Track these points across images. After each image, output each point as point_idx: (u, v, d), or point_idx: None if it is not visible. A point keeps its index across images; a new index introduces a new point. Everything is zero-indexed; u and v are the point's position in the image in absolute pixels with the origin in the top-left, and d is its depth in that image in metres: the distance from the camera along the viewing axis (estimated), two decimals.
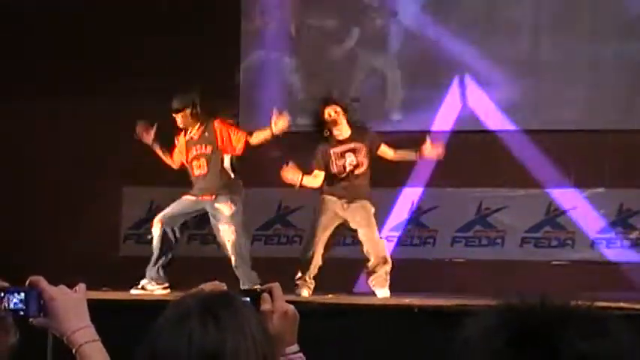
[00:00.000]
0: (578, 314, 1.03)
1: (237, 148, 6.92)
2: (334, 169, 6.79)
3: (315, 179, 6.82)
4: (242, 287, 6.39)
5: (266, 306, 1.77)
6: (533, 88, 8.37)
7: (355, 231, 6.75)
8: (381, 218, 8.23)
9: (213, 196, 6.83)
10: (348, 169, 6.75)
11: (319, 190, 6.84)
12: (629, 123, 8.16)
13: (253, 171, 8.49)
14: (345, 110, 6.79)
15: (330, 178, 6.81)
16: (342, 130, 6.79)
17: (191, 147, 6.91)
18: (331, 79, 8.39)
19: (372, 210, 6.78)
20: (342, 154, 6.78)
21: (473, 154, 8.17)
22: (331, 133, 6.80)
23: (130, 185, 8.40)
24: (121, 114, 8.34)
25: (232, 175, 6.92)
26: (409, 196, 8.40)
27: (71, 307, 1.76)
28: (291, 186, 6.97)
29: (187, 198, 6.92)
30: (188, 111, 6.83)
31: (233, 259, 6.82)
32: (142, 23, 8.53)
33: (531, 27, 8.41)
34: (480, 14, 8.49)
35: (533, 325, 1.02)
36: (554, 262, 8.20)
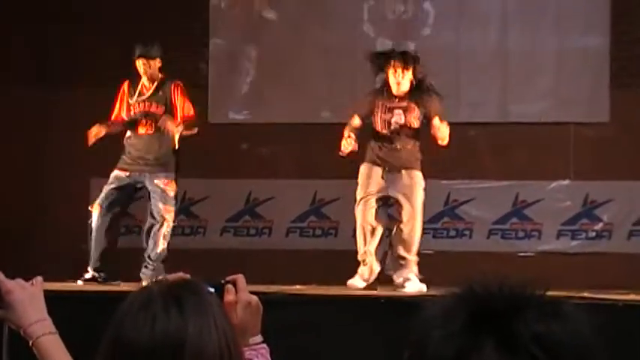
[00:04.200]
0: (534, 298, 1.07)
1: (187, 116, 6.53)
2: (377, 125, 6.26)
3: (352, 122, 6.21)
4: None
5: (230, 297, 1.79)
6: (499, 80, 8.44)
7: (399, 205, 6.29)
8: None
9: (151, 169, 6.52)
10: (392, 127, 6.22)
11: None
12: (594, 115, 8.26)
13: (222, 162, 8.51)
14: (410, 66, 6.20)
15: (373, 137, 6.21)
16: (400, 86, 6.21)
17: (140, 102, 6.57)
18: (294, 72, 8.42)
19: (421, 183, 6.29)
20: (390, 110, 6.27)
21: (441, 146, 8.22)
22: (388, 85, 6.24)
23: (98, 177, 8.35)
24: (87, 104, 8.31)
25: (177, 146, 6.52)
26: None
27: (28, 300, 1.76)
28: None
29: (119, 175, 6.60)
30: (158, 62, 6.54)
31: (153, 249, 6.59)
32: (108, 15, 8.49)
33: (498, 19, 8.48)
34: (450, 5, 8.55)
35: (491, 308, 1.05)
36: (520, 254, 8.29)
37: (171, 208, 6.69)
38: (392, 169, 6.30)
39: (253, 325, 1.82)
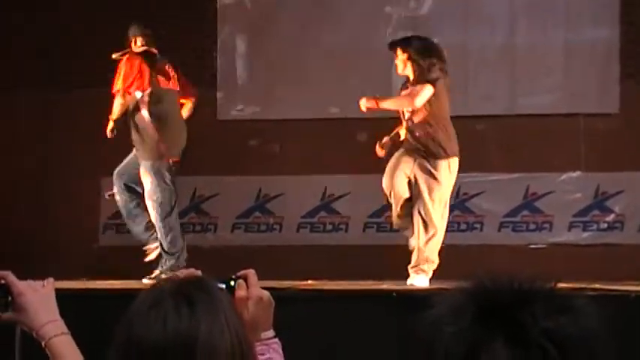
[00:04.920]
0: (543, 293, 1.07)
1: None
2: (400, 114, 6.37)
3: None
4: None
5: (241, 292, 1.79)
6: (508, 72, 8.42)
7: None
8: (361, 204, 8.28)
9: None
10: (407, 116, 6.31)
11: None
12: (604, 107, 8.24)
13: (232, 159, 8.52)
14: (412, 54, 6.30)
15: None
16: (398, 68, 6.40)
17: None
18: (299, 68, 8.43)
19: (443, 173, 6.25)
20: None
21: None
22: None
23: (108, 175, 8.38)
24: (100, 104, 8.34)
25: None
26: None
27: (40, 301, 1.77)
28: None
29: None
30: (140, 40, 6.65)
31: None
32: (115, 13, 8.50)
33: (507, 12, 8.46)
34: (458, 1, 8.54)
35: (500, 303, 1.05)
36: (532, 246, 8.28)
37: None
38: (417, 158, 6.30)
39: (265, 320, 1.83)
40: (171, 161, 6.67)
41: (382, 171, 8.46)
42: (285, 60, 8.56)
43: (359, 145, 8.30)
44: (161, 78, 6.68)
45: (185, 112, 6.91)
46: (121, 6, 8.46)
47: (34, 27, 8.57)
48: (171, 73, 6.75)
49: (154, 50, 6.73)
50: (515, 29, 8.42)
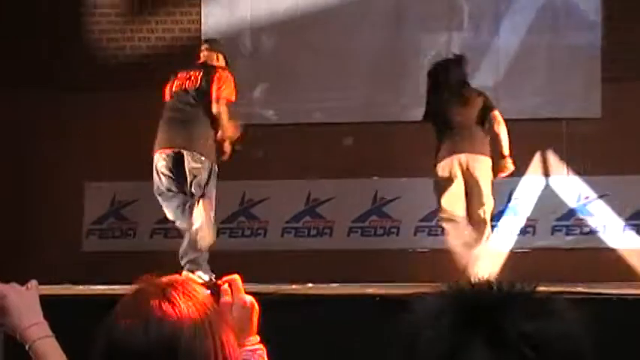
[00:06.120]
0: (523, 296, 1.07)
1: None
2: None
3: None
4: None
5: (225, 298, 1.80)
6: (492, 77, 8.45)
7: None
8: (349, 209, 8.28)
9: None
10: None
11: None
12: (586, 111, 8.29)
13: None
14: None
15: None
16: None
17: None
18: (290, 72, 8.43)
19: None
20: None
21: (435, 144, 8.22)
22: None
23: (92, 180, 8.35)
24: (83, 108, 8.31)
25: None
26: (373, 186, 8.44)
27: (23, 303, 1.76)
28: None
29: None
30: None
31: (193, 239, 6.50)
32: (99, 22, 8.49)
33: (490, 16, 8.50)
34: (442, 3, 8.57)
35: (479, 307, 1.05)
36: (515, 250, 8.30)
37: None
38: None
39: (249, 325, 1.82)
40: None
41: (367, 175, 8.49)
42: (269, 66, 8.57)
43: (343, 149, 8.32)
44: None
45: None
46: (108, 13, 8.46)
47: (32, 27, 8.54)
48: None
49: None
50: (499, 33, 8.45)
